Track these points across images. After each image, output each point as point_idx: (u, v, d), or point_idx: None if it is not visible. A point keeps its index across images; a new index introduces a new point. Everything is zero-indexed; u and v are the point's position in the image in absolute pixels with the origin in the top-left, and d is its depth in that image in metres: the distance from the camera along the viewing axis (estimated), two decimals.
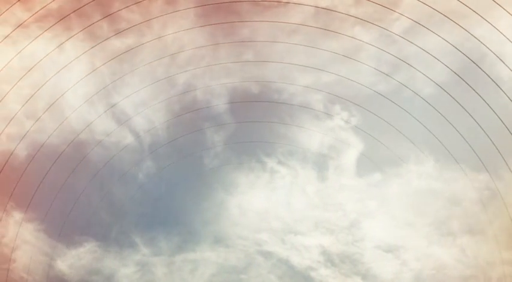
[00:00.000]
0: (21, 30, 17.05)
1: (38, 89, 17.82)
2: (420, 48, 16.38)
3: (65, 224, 18.82)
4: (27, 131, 18.04)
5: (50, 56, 17.49)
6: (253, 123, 18.50)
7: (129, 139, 18.67)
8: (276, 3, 16.12)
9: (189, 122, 18.62)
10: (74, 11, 17.12)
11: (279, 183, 18.90)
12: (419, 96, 17.39)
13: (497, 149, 16.86)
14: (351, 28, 16.30)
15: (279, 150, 18.80)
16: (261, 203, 19.01)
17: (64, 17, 17.18)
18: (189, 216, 19.06)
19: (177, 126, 18.64)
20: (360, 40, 16.67)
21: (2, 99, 17.65)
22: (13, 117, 17.80)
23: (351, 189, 18.79)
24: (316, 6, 15.90)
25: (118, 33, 17.43)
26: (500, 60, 15.69)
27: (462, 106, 16.84)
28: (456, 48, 15.96)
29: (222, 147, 18.90)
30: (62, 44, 17.39)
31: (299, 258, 18.86)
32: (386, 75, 16.74)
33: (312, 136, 18.68)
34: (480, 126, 16.86)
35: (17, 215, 18.50)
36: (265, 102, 17.80)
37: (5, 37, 17.03)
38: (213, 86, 17.82)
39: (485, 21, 15.33)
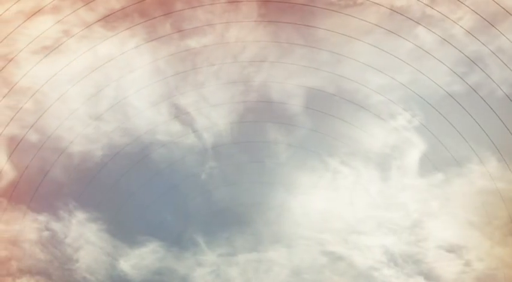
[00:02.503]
0: (84, 30, 17.17)
1: (101, 90, 17.92)
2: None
3: (128, 224, 18.83)
4: (91, 132, 18.11)
5: (113, 56, 17.61)
6: (318, 124, 18.64)
7: (191, 139, 18.76)
8: (351, 2, 16.33)
9: (254, 121, 18.73)
10: (137, 11, 17.26)
11: (342, 183, 18.98)
12: (479, 96, 17.59)
13: None
14: (424, 28, 16.50)
15: (342, 151, 18.91)
16: (323, 203, 19.08)
17: (127, 17, 17.32)
18: (251, 216, 19.13)
19: (241, 126, 18.75)
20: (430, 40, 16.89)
21: (61, 98, 17.73)
22: (77, 117, 17.87)
23: (413, 189, 18.89)
24: (391, 7, 16.12)
25: (181, 33, 17.56)
26: None
27: None
28: None
29: (284, 147, 19.01)
30: (125, 44, 17.51)
31: (362, 258, 18.93)
32: (459, 76, 16.94)
33: (375, 136, 18.81)
34: None
35: (80, 215, 18.51)
36: (335, 103, 17.96)
37: (70, 37, 17.16)
38: (282, 85, 17.97)
39: None
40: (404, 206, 19.02)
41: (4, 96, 16.60)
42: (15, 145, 17.07)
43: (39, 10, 16.60)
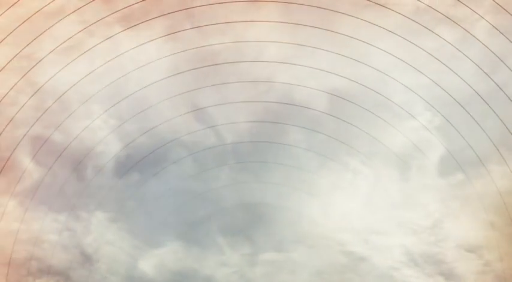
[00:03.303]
0: (104, 29, 17.19)
1: (121, 88, 17.93)
2: None
3: (148, 224, 18.83)
4: (114, 132, 18.12)
5: (132, 55, 17.63)
6: (338, 124, 18.66)
7: (212, 138, 18.77)
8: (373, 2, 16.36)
9: (273, 122, 18.74)
10: (157, 10, 17.28)
11: (362, 183, 19.01)
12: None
13: None
14: (447, 27, 16.55)
15: (362, 150, 18.93)
16: (343, 203, 19.10)
17: (146, 16, 17.34)
18: (271, 216, 19.14)
19: (261, 127, 18.76)
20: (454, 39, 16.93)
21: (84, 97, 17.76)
22: (101, 117, 17.89)
23: (433, 189, 18.92)
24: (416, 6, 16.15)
25: (200, 31, 17.58)
26: None
27: None
28: None
29: (303, 147, 19.03)
30: (144, 43, 17.53)
31: (381, 258, 18.95)
32: (485, 74, 16.97)
33: (395, 136, 18.83)
34: None
35: (100, 215, 18.50)
36: (356, 103, 17.99)
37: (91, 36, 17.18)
38: (304, 85, 18.00)
39: None
40: (424, 206, 19.05)
41: (30, 97, 16.63)
42: (39, 145, 17.08)
43: (62, 10, 16.63)
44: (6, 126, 17.01)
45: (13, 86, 16.70)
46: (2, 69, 16.49)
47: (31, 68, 16.42)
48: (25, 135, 16.81)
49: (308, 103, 18.52)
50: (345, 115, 18.74)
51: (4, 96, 16.75)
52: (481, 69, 16.89)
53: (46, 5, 16.39)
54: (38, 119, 16.70)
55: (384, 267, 18.99)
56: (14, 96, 16.81)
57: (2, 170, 17.14)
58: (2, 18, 16.27)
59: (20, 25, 16.33)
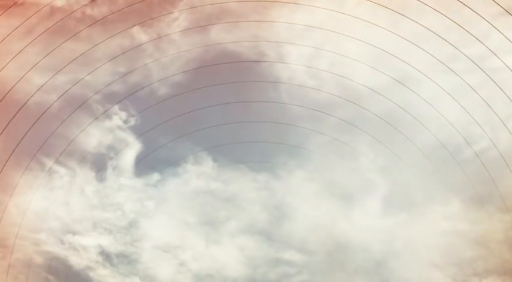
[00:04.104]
0: None
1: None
2: None
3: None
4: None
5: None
6: None
7: None
8: None
9: None
10: None
11: (58, 183, 18.75)
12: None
13: None
14: None
15: (58, 150, 18.64)
16: (41, 202, 18.83)
17: None
18: None
19: None
20: None
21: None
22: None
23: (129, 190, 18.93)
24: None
25: None
26: None
27: None
28: None
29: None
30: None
31: (78, 258, 18.86)
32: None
33: (92, 136, 18.64)
34: None
35: None
36: None
37: None
38: None
39: None
40: (120, 206, 19.03)
41: None
42: None
43: None
44: None
45: None
46: None
47: None
48: None
49: None
50: None
51: None
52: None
53: None
54: None
55: (80, 267, 18.92)
56: None
57: None
58: None
59: None
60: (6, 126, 18.09)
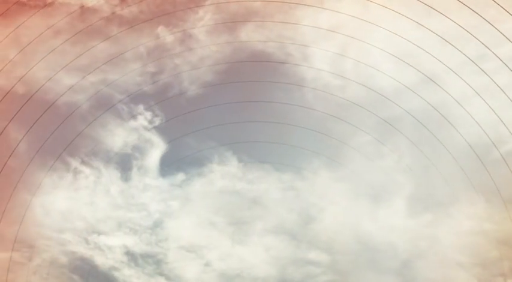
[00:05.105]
0: None
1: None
2: None
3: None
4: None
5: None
6: None
7: None
8: None
9: None
10: None
11: (83, 183, 18.72)
12: None
13: None
14: None
15: (83, 151, 18.61)
16: (66, 202, 18.81)
17: None
18: None
19: None
20: None
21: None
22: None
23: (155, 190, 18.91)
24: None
25: None
26: None
27: None
28: None
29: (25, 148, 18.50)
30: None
31: (103, 258, 18.83)
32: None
33: (117, 136, 18.61)
34: None
35: None
36: None
37: None
38: None
39: None
40: (145, 206, 19.01)
41: None
42: None
43: None
44: None
45: None
46: None
47: None
48: None
49: None
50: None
51: None
52: None
53: None
54: None
55: (105, 267, 18.88)
56: None
57: None
58: None
59: None
60: (32, 125, 18.05)
